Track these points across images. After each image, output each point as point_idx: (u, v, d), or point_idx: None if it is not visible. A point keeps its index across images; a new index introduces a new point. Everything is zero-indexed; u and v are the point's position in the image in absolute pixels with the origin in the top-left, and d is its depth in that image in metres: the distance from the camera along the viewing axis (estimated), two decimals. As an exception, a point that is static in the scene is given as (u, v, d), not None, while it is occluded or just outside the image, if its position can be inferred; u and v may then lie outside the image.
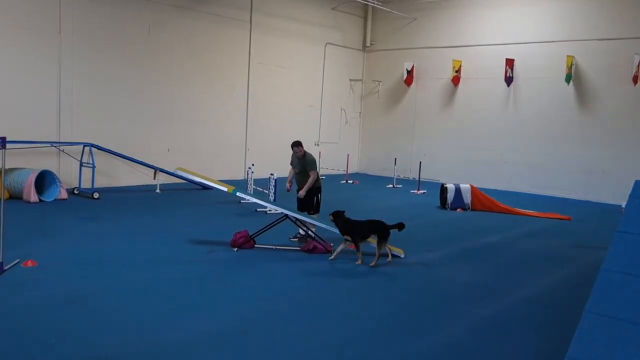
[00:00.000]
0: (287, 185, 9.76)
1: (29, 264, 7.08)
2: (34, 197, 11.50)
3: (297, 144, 9.41)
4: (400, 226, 8.38)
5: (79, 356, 4.69)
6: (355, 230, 8.26)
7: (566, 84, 16.62)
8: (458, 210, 13.56)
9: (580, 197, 16.67)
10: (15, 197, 11.62)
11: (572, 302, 6.78)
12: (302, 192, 9.30)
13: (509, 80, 17.83)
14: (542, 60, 17.31)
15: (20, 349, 4.77)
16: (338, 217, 8.39)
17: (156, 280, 6.89)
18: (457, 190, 13.76)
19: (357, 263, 8.08)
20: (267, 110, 18.27)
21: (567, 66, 16.43)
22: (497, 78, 18.01)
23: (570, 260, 9.24)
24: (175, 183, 14.74)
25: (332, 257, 8.29)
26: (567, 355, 3.63)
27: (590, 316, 3.77)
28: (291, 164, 9.68)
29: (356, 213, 12.16)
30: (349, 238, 8.27)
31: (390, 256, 8.34)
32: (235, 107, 17.49)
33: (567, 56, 16.43)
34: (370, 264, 8.00)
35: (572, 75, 16.53)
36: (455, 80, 19.05)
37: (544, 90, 17.39)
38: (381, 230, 8.16)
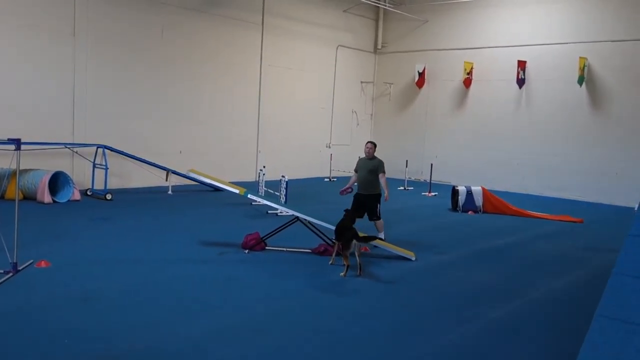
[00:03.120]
0: (348, 188, 10.00)
1: (43, 264, 7.15)
2: (47, 198, 11.60)
3: (372, 142, 10.08)
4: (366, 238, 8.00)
5: (93, 354, 4.74)
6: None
7: (578, 85, 16.54)
8: (469, 212, 13.51)
9: (593, 200, 16.54)
10: (29, 197, 11.74)
11: (583, 304, 6.74)
12: (387, 196, 9.72)
13: (520, 82, 17.74)
14: (554, 62, 17.22)
15: (35, 348, 4.82)
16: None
17: (168, 280, 6.95)
18: (469, 193, 13.71)
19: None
20: (278, 112, 18.31)
21: (580, 68, 16.33)
22: (508, 80, 17.93)
23: (582, 263, 9.19)
24: (187, 185, 14.80)
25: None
26: (577, 359, 3.61)
27: (601, 320, 3.74)
28: (356, 169, 10.06)
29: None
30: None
31: (358, 270, 7.59)
32: (246, 110, 17.54)
33: (580, 58, 16.33)
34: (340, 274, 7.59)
35: (585, 77, 16.42)
36: (467, 82, 19.00)
37: (556, 92, 17.29)
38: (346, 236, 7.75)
